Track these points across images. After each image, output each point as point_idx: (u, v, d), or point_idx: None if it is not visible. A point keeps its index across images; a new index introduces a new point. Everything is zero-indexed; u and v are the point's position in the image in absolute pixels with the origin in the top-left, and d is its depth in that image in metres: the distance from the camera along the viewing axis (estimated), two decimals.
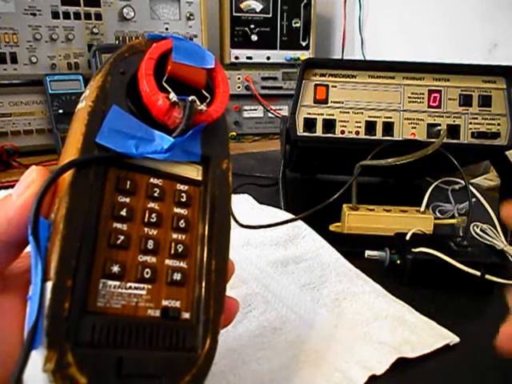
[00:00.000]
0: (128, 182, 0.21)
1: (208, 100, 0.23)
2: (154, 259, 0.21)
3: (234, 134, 1.16)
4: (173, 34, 0.23)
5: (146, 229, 0.21)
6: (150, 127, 0.22)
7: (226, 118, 0.26)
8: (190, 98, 0.22)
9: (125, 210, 0.20)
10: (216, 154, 0.24)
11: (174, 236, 0.22)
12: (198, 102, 0.22)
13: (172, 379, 0.19)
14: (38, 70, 0.93)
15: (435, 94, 0.54)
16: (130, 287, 0.20)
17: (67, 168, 0.19)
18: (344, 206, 0.56)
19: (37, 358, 0.16)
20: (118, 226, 0.20)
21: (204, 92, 0.23)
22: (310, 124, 0.55)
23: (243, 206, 0.62)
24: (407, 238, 0.48)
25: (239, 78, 1.16)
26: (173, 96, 0.22)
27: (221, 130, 0.25)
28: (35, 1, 0.91)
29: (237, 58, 1.18)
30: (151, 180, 0.22)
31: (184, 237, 0.22)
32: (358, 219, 0.55)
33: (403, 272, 0.44)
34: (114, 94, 0.22)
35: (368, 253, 0.47)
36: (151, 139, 0.22)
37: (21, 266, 0.21)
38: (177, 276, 0.21)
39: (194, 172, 0.24)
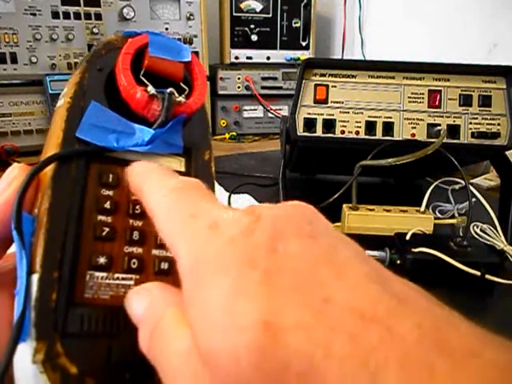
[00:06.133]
0: (110, 176, 0.21)
1: (186, 92, 0.24)
2: (140, 250, 0.21)
3: (234, 133, 1.16)
4: (148, 30, 0.24)
5: (130, 220, 0.21)
6: (129, 121, 0.22)
7: (206, 110, 0.26)
8: (169, 90, 0.22)
9: (108, 202, 0.21)
10: (198, 146, 0.25)
11: None
12: (177, 94, 0.22)
13: None
14: (38, 69, 0.93)
15: (435, 94, 0.54)
16: (118, 278, 0.20)
17: (48, 162, 0.19)
18: (344, 206, 0.56)
19: (26, 350, 0.16)
20: (103, 218, 0.20)
21: (182, 85, 0.24)
22: (310, 124, 0.55)
23: (243, 205, 0.62)
24: (407, 238, 0.48)
25: (239, 78, 1.16)
26: (151, 89, 0.22)
27: (201, 122, 0.25)
28: (35, 1, 0.91)
29: (237, 57, 1.18)
30: None
31: None
32: (358, 219, 0.55)
33: (403, 272, 0.44)
34: (92, 90, 0.22)
35: (368, 253, 0.47)
36: (132, 132, 0.22)
37: (6, 264, 0.21)
38: (164, 265, 0.21)
39: (177, 164, 0.24)
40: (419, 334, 0.11)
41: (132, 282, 0.20)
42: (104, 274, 0.20)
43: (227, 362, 0.12)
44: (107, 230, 0.20)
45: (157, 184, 0.18)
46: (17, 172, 0.20)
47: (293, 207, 0.16)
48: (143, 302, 0.16)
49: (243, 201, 0.64)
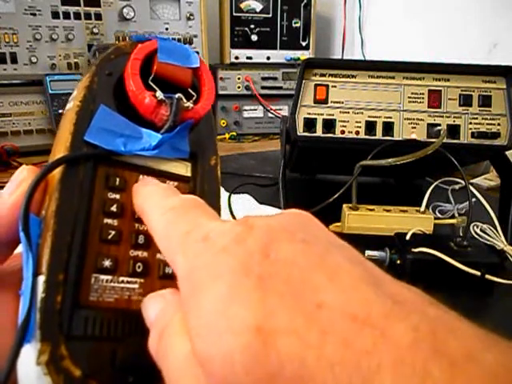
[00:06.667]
0: (117, 179, 0.21)
1: (194, 98, 0.24)
2: (145, 253, 0.21)
3: (234, 133, 1.16)
4: (157, 36, 0.24)
5: (136, 224, 0.21)
6: (137, 125, 0.22)
7: (212, 116, 0.26)
8: (177, 96, 0.22)
9: (115, 206, 0.21)
10: (204, 151, 0.25)
11: None
12: (185, 100, 0.23)
13: None
14: (38, 69, 0.93)
15: (435, 94, 0.54)
16: (123, 281, 0.20)
17: (56, 165, 0.20)
18: (344, 206, 0.56)
19: (30, 351, 0.16)
20: (109, 221, 0.20)
21: (190, 91, 0.24)
22: (310, 124, 0.55)
23: (243, 205, 0.62)
24: (407, 238, 0.48)
25: (239, 78, 1.16)
26: (159, 94, 0.22)
27: (208, 127, 0.26)
28: (35, 1, 0.91)
29: (237, 57, 1.18)
30: (140, 177, 0.22)
31: None
32: (357, 219, 0.55)
33: (403, 272, 0.44)
34: (101, 94, 0.22)
35: (368, 253, 0.47)
36: (139, 137, 0.22)
37: (14, 265, 0.21)
38: (169, 270, 0.21)
39: (183, 168, 0.24)
40: (414, 337, 0.11)
41: (137, 286, 0.20)
42: (109, 277, 0.20)
43: (222, 366, 0.12)
44: (113, 233, 0.20)
45: (156, 204, 0.19)
46: (25, 174, 0.20)
47: (287, 215, 0.16)
48: (157, 307, 0.17)
49: (243, 201, 0.64)
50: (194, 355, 0.14)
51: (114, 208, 0.21)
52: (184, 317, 0.15)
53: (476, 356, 0.11)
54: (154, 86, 0.22)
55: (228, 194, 0.63)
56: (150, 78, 0.23)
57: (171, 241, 0.17)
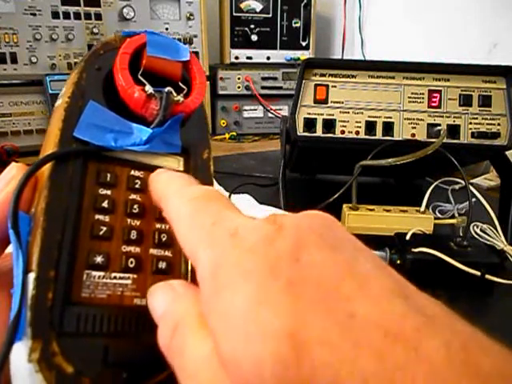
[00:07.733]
0: (108, 175, 0.21)
1: (185, 91, 0.24)
2: (138, 249, 0.21)
3: (234, 133, 1.16)
4: (146, 30, 0.24)
5: (128, 220, 0.21)
6: (127, 120, 0.22)
7: (205, 109, 0.26)
8: (166, 89, 0.22)
9: (106, 201, 0.21)
10: (196, 145, 0.25)
11: (158, 226, 0.22)
12: (175, 93, 0.23)
13: (159, 368, 0.19)
14: (38, 70, 0.93)
15: (435, 94, 0.54)
16: (115, 277, 0.20)
17: (45, 161, 0.19)
18: (344, 206, 0.56)
19: (21, 349, 0.16)
20: (100, 217, 0.20)
21: (181, 84, 0.24)
22: (310, 124, 0.55)
23: (243, 205, 0.62)
24: (407, 238, 0.48)
25: (239, 78, 1.16)
26: (149, 88, 0.22)
27: (200, 121, 0.25)
28: (35, 1, 0.91)
29: (237, 57, 1.18)
30: (132, 172, 0.22)
31: (168, 226, 0.22)
32: (358, 219, 0.55)
33: (403, 272, 0.44)
34: (90, 90, 0.22)
35: None
36: (130, 132, 0.22)
37: (5, 265, 0.20)
38: (162, 265, 0.21)
39: (175, 163, 0.24)
40: (447, 353, 0.11)
41: (129, 282, 0.20)
42: (101, 273, 0.19)
43: (250, 371, 0.12)
44: (104, 229, 0.20)
45: (178, 192, 0.18)
46: (15, 171, 0.20)
47: (313, 217, 0.16)
48: (166, 298, 0.16)
49: (243, 201, 0.64)
50: (218, 356, 0.13)
51: (105, 204, 0.20)
52: (202, 314, 0.14)
53: (508, 375, 0.11)
54: (144, 80, 0.22)
55: (228, 193, 0.63)
56: (140, 72, 0.22)
57: (194, 231, 0.16)
